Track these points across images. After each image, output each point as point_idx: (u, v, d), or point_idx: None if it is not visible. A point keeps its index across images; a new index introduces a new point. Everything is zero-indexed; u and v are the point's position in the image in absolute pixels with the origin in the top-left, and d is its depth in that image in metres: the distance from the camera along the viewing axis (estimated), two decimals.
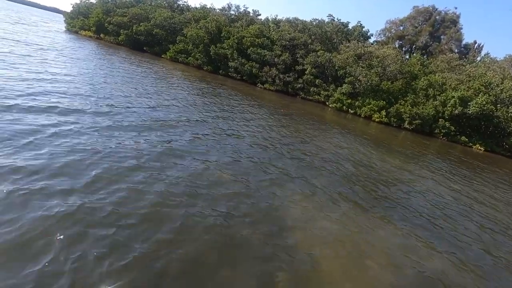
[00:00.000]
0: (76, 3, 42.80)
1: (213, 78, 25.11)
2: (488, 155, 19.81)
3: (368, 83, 23.68)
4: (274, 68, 27.51)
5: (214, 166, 6.10)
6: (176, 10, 38.94)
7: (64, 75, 11.08)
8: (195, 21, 33.86)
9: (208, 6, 38.93)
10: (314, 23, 31.01)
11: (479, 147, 21.07)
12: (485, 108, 20.47)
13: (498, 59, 27.83)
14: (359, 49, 26.45)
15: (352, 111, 24.30)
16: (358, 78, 24.09)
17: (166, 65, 26.69)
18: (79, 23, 39.99)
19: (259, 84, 27.85)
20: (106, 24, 36.43)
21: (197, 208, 4.42)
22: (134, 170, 5.05)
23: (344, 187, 6.89)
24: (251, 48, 28.07)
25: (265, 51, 28.00)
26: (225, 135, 8.60)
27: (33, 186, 3.92)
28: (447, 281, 4.25)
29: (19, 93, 7.42)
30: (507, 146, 20.94)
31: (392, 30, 35.57)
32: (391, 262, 4.36)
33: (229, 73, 29.23)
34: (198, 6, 39.96)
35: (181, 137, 7.32)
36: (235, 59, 28.62)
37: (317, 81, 26.23)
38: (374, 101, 23.39)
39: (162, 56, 33.58)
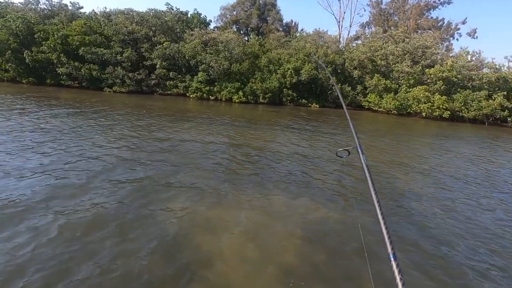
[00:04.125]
0: None
1: (39, 92, 19.92)
2: (322, 110, 25.15)
3: (220, 68, 24.82)
4: (119, 67, 24.49)
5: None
6: None
7: None
8: None
9: (2, 1, 29.64)
10: (151, 13, 29.13)
11: (315, 105, 26.38)
12: (311, 73, 25.52)
13: (310, 33, 34.86)
14: (204, 36, 27.07)
15: (213, 97, 25.08)
16: (210, 64, 24.81)
17: None
18: None
19: (105, 88, 24.25)
20: None
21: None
22: None
23: (220, 171, 6.99)
24: (82, 48, 23.72)
25: (102, 49, 24.35)
26: (81, 160, 6.96)
27: None
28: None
29: None
30: (331, 100, 27.15)
31: (228, 16, 38.27)
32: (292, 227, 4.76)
33: (62, 82, 23.99)
34: None
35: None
36: (65, 63, 23.60)
37: (171, 74, 25.30)
38: (230, 84, 24.92)
39: None
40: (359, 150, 1.77)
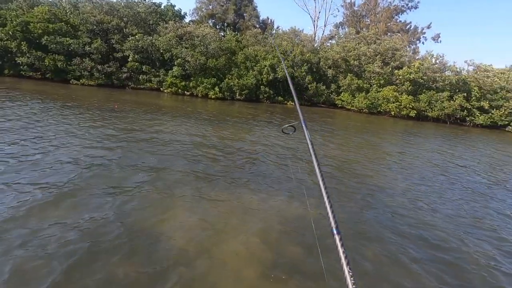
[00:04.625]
0: None
1: None
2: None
3: (196, 63, 24.33)
4: (88, 58, 23.19)
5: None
6: None
7: None
8: None
9: None
10: (123, 3, 27.82)
11: (291, 103, 26.70)
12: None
13: (287, 31, 35.13)
14: (179, 30, 26.34)
15: (188, 93, 24.56)
16: (186, 59, 24.24)
17: None
18: None
19: (72, 80, 22.86)
20: None
21: None
22: None
23: (201, 168, 6.86)
24: (46, 37, 22.14)
25: (68, 39, 22.90)
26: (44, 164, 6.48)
27: None
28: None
29: None
30: (306, 98, 27.65)
31: (203, 9, 37.51)
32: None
33: (22, 72, 22.27)
34: None
35: None
36: (26, 52, 21.91)
37: (144, 67, 24.38)
38: (206, 79, 24.52)
39: None
40: (303, 125, 1.79)
